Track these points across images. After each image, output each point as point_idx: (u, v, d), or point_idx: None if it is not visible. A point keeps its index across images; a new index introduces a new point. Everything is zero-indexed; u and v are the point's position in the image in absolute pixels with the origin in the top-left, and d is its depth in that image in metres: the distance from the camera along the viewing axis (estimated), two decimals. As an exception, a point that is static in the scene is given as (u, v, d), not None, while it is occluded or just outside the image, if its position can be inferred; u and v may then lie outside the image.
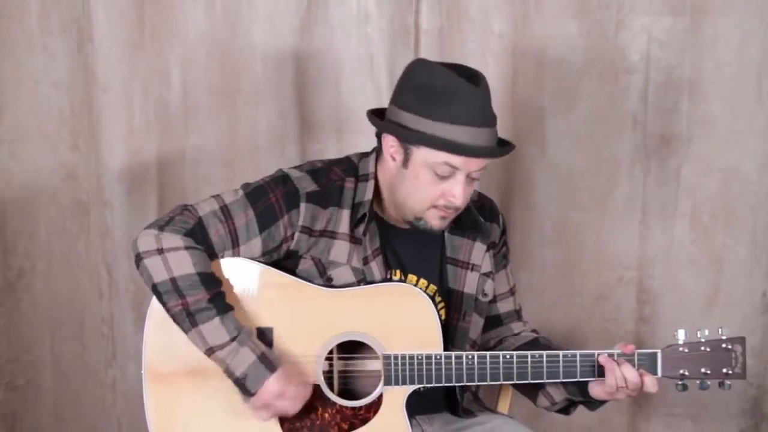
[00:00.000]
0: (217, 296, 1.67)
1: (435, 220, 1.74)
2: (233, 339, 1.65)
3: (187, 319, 1.65)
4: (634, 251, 2.44)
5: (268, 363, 1.66)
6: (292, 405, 1.68)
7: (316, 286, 1.74)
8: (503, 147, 1.74)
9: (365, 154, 1.85)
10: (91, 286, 2.47)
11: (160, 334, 1.72)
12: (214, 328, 1.65)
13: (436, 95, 1.66)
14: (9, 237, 2.40)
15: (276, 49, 2.37)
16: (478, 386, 2.04)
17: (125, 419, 2.51)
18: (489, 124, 1.69)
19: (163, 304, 1.67)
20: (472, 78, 1.68)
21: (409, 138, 1.69)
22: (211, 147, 2.41)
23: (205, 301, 1.65)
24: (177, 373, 1.72)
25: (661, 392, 2.48)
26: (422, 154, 1.68)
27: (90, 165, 2.41)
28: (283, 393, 1.66)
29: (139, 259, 1.69)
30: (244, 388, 1.66)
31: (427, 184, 1.70)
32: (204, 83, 2.38)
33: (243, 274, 1.74)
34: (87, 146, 2.40)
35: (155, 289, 1.68)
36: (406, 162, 1.71)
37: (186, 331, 1.67)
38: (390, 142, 1.73)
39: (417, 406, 1.78)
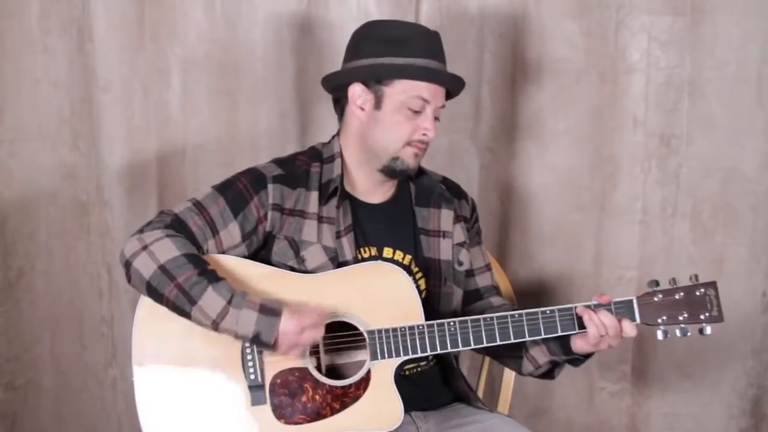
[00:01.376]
0: (206, 270, 1.70)
1: (410, 158, 1.83)
2: (229, 302, 1.66)
3: (185, 300, 1.67)
4: (634, 251, 2.44)
5: (271, 310, 1.67)
6: (316, 332, 1.69)
7: (295, 273, 1.79)
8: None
9: (327, 142, 1.94)
10: (91, 286, 2.47)
11: (149, 331, 1.75)
12: (210, 298, 1.67)
13: (397, 38, 1.80)
14: (9, 237, 2.40)
15: (276, 49, 2.37)
16: (477, 384, 2.05)
17: (125, 419, 2.51)
18: (445, 61, 1.85)
19: (161, 297, 1.69)
20: (423, 26, 1.87)
21: (383, 75, 1.79)
22: (211, 147, 2.41)
23: (196, 275, 1.68)
24: (167, 368, 1.74)
25: (662, 392, 2.49)
26: (395, 92, 1.79)
27: (90, 165, 2.41)
28: (302, 327, 1.67)
29: (128, 265, 1.72)
30: (263, 343, 1.67)
31: (401, 122, 1.80)
32: (204, 83, 2.38)
33: (223, 268, 1.76)
34: (87, 146, 2.40)
35: (149, 287, 1.70)
36: (378, 104, 1.81)
37: (189, 315, 1.68)
38: (358, 92, 1.83)
39: (412, 401, 1.80)
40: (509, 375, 2.06)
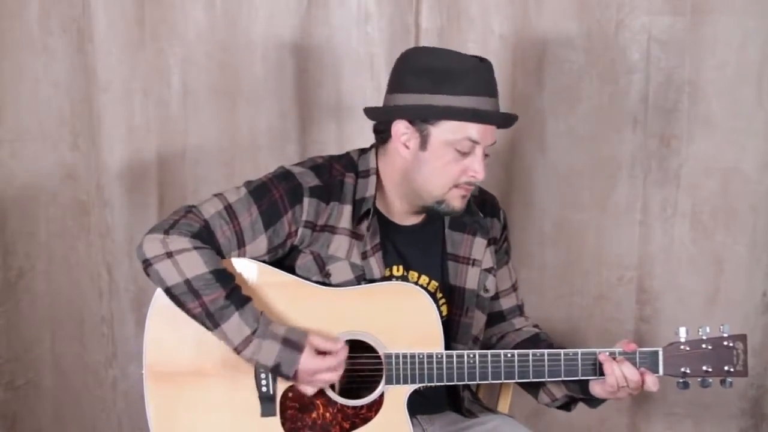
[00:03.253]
0: (234, 291, 1.66)
1: (456, 201, 1.74)
2: (253, 333, 1.64)
3: (207, 320, 1.65)
4: (634, 251, 2.44)
5: (293, 344, 1.65)
6: (333, 375, 1.68)
7: (316, 285, 1.74)
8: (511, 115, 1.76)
9: (364, 150, 1.84)
10: (91, 286, 2.47)
11: (160, 333, 1.72)
12: (235, 325, 1.64)
13: (445, 73, 1.67)
14: (9, 237, 2.40)
15: (276, 49, 2.37)
16: (478, 386, 2.05)
17: (125, 419, 2.51)
18: (497, 94, 1.73)
19: (182, 305, 1.66)
20: (474, 56, 1.72)
21: (429, 116, 1.68)
22: (211, 147, 2.41)
23: (222, 298, 1.64)
24: (178, 373, 1.72)
25: (662, 392, 2.48)
26: (442, 132, 1.69)
27: (90, 165, 2.41)
28: (319, 366, 1.66)
29: (148, 264, 1.67)
30: (282, 374, 1.66)
31: (449, 164, 1.70)
32: (204, 83, 2.38)
33: (244, 274, 1.73)
34: (87, 146, 2.40)
35: (169, 292, 1.66)
36: (424, 144, 1.70)
37: (210, 330, 1.67)
38: (402, 129, 1.72)
39: (418, 405, 1.78)
40: (509, 375, 2.05)
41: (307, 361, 1.65)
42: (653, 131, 2.38)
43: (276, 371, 1.66)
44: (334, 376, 1.68)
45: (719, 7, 2.30)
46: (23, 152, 2.38)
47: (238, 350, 1.65)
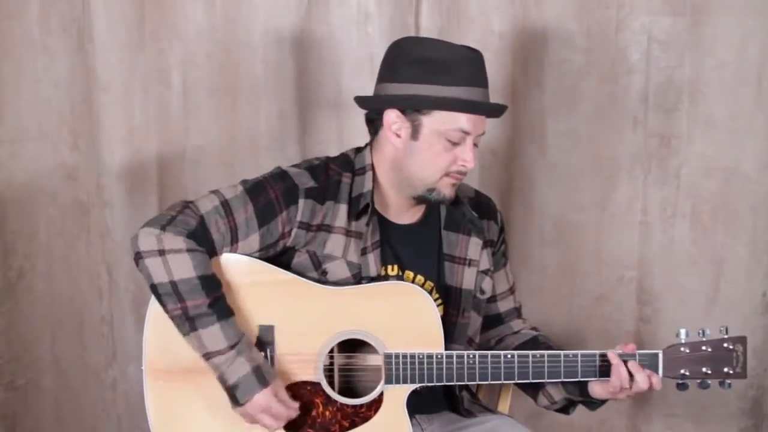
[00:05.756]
0: (218, 301, 1.66)
1: (447, 189, 1.76)
2: (232, 347, 1.65)
3: (186, 323, 1.65)
4: (634, 251, 2.44)
5: (261, 377, 1.66)
6: (274, 423, 1.69)
7: (316, 284, 1.74)
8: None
9: (360, 149, 1.85)
10: (91, 286, 2.47)
11: (160, 331, 1.72)
12: (214, 334, 1.65)
13: (438, 63, 1.69)
14: (9, 237, 2.40)
15: (276, 49, 2.37)
16: (477, 386, 2.05)
17: (125, 419, 2.51)
18: (487, 85, 1.75)
19: (162, 305, 1.67)
20: (465, 47, 1.75)
21: (421, 105, 1.69)
22: (211, 147, 2.41)
23: (206, 306, 1.64)
24: (177, 370, 1.72)
25: (662, 393, 2.48)
26: (434, 122, 1.70)
27: (90, 165, 2.41)
28: (269, 408, 1.67)
29: (139, 257, 1.68)
30: (234, 396, 1.66)
31: (440, 153, 1.72)
32: (204, 83, 2.38)
33: (243, 271, 1.74)
34: (87, 146, 2.40)
35: (153, 289, 1.67)
36: (415, 134, 1.72)
37: (184, 335, 1.67)
38: (393, 119, 1.73)
39: (417, 405, 1.79)
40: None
41: (262, 396, 1.65)
42: (653, 131, 2.38)
43: (231, 390, 1.66)
44: (275, 425, 1.68)
45: (719, 7, 2.30)
46: (23, 152, 2.38)
47: (208, 356, 1.65)
